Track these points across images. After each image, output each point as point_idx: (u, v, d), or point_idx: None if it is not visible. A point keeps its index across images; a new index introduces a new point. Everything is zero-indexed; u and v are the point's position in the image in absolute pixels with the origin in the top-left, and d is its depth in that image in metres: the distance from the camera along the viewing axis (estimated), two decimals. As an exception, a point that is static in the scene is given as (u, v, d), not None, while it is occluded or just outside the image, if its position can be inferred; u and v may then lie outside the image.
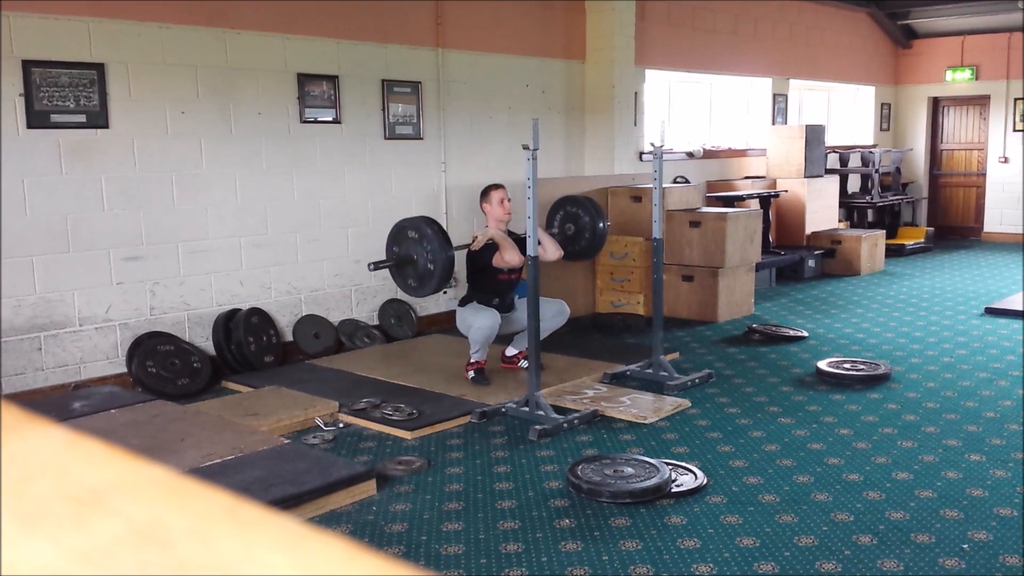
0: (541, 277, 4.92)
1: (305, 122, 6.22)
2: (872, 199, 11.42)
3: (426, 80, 6.94)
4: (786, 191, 9.80)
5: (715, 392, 5.27)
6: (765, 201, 9.38)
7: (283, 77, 6.09)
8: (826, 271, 9.67)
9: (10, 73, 4.88)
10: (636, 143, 8.64)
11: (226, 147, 5.82)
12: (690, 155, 9.54)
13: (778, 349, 6.34)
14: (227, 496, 0.42)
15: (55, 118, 5.05)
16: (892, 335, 6.76)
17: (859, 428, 4.58)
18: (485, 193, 5.42)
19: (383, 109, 6.66)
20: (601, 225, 5.64)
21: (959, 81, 12.71)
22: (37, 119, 4.98)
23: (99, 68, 5.20)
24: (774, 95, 10.62)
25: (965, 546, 3.24)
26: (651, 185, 5.67)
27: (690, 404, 5.00)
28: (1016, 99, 12.28)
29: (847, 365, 5.58)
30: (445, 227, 7.06)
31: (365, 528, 3.49)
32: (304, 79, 6.19)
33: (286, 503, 3.44)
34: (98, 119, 5.22)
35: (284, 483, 3.62)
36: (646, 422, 4.69)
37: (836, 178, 10.62)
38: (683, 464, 4.02)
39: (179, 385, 5.34)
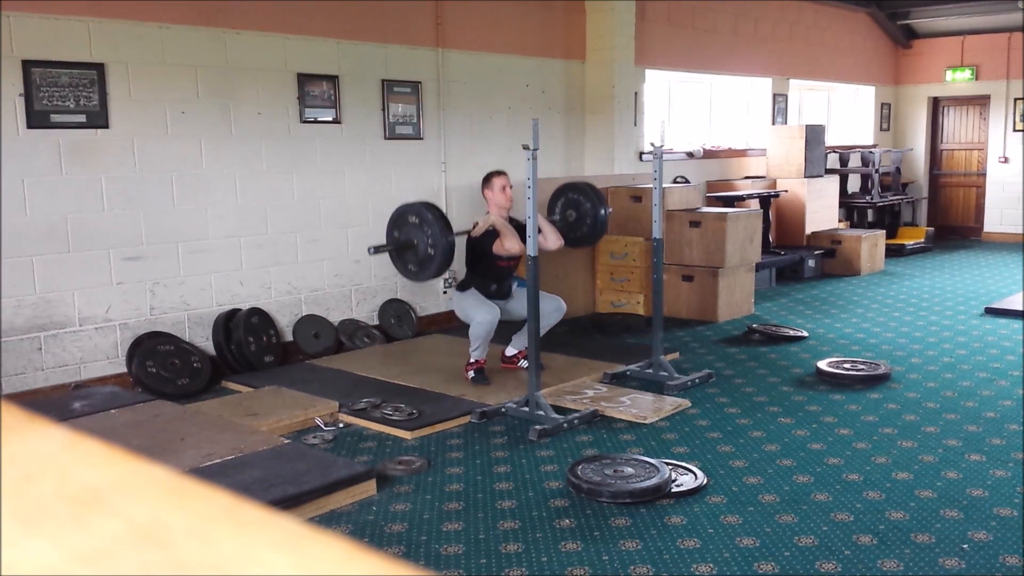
0: (541, 276, 4.92)
1: (305, 122, 6.22)
2: (872, 199, 11.42)
3: (426, 80, 6.94)
4: (786, 191, 9.80)
5: (715, 392, 5.27)
6: (765, 201, 9.38)
7: (283, 77, 6.09)
8: (826, 271, 9.67)
9: (10, 73, 4.88)
10: (636, 143, 8.64)
11: (226, 147, 5.82)
12: (690, 155, 9.54)
13: (778, 349, 6.34)
14: (227, 496, 0.42)
15: (55, 118, 5.05)
16: (892, 335, 6.76)
17: (859, 428, 4.59)
18: (487, 180, 5.41)
19: (383, 109, 6.66)
20: (602, 212, 5.62)
21: (959, 81, 12.71)
22: (37, 119, 4.98)
23: (99, 68, 5.20)
24: (774, 95, 10.62)
25: (965, 546, 3.24)
26: (651, 185, 5.67)
27: (690, 404, 5.00)
28: (1016, 99, 12.28)
29: (847, 365, 5.58)
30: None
31: (365, 528, 3.49)
32: (304, 79, 6.19)
33: (286, 503, 3.45)
34: (98, 119, 5.22)
35: (284, 483, 3.62)
36: (646, 422, 4.69)
37: (836, 178, 10.62)
38: (683, 464, 4.02)
39: (179, 385, 5.34)
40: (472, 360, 5.38)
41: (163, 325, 5.58)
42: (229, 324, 5.79)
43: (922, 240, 11.59)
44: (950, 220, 13.14)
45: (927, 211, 13.23)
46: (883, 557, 3.16)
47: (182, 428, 4.33)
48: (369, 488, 3.78)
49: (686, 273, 7.44)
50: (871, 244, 9.81)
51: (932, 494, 3.72)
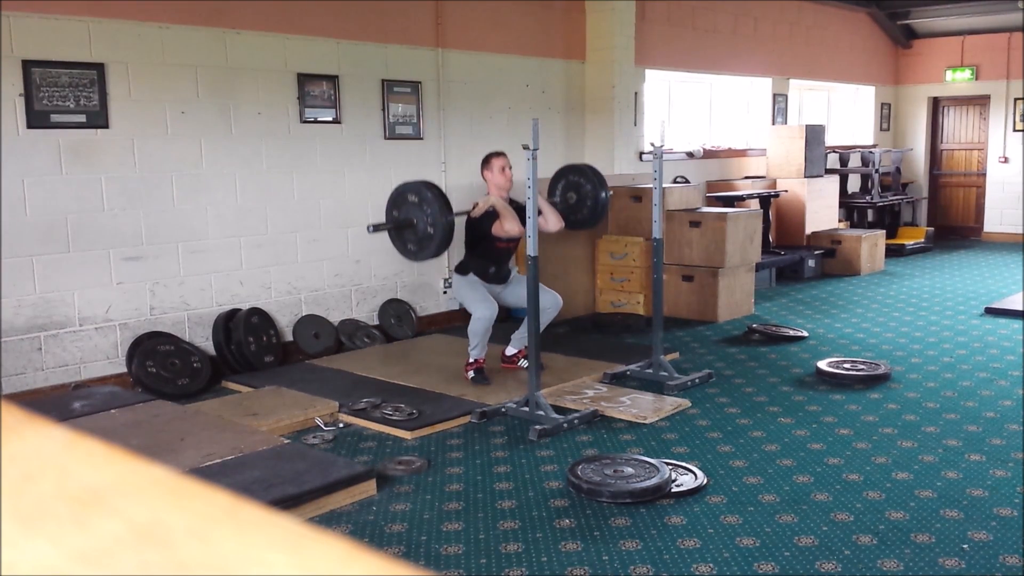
0: (540, 275, 4.92)
1: (305, 122, 6.22)
2: (872, 199, 11.42)
3: (426, 80, 6.94)
4: (786, 191, 9.80)
5: (715, 392, 5.27)
6: (765, 201, 9.38)
7: (283, 77, 6.09)
8: (826, 271, 9.67)
9: (10, 73, 4.88)
10: (636, 143, 8.64)
11: (226, 147, 5.82)
12: (690, 155, 9.54)
13: (778, 349, 6.34)
14: (227, 496, 0.42)
15: (55, 118, 5.05)
16: (892, 335, 6.76)
17: (859, 428, 4.59)
18: (486, 161, 5.39)
19: (383, 109, 6.66)
20: (603, 194, 5.60)
21: (959, 81, 12.71)
22: (37, 119, 4.98)
23: (99, 68, 5.20)
24: (774, 95, 10.62)
25: (965, 546, 3.24)
26: (651, 185, 5.67)
27: (690, 404, 5.00)
28: (1016, 99, 12.28)
29: (847, 365, 5.58)
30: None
31: (365, 528, 3.49)
32: (304, 79, 6.19)
33: (286, 503, 3.45)
34: (98, 119, 5.22)
35: (284, 483, 3.62)
36: (646, 422, 4.69)
37: (836, 178, 10.62)
38: (683, 464, 4.02)
39: (179, 385, 5.34)
40: (472, 360, 5.38)
41: (163, 325, 5.58)
42: (229, 324, 5.79)
43: (922, 240, 11.59)
44: (950, 220, 13.14)
45: (927, 211, 13.23)
46: (883, 557, 3.16)
47: (182, 428, 4.33)
48: (369, 488, 3.78)
49: (686, 273, 7.44)
50: (871, 244, 9.81)
51: (932, 494, 3.72)
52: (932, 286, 8.91)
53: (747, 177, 10.19)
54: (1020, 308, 7.43)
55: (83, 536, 0.38)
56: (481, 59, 7.34)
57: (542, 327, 5.44)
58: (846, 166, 11.57)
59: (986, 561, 3.13)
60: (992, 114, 12.55)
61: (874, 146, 12.33)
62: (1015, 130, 12.36)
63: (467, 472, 4.06)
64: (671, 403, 4.97)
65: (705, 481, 3.84)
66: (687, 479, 3.85)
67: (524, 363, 5.42)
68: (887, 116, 13.09)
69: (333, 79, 6.36)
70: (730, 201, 8.79)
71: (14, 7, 4.86)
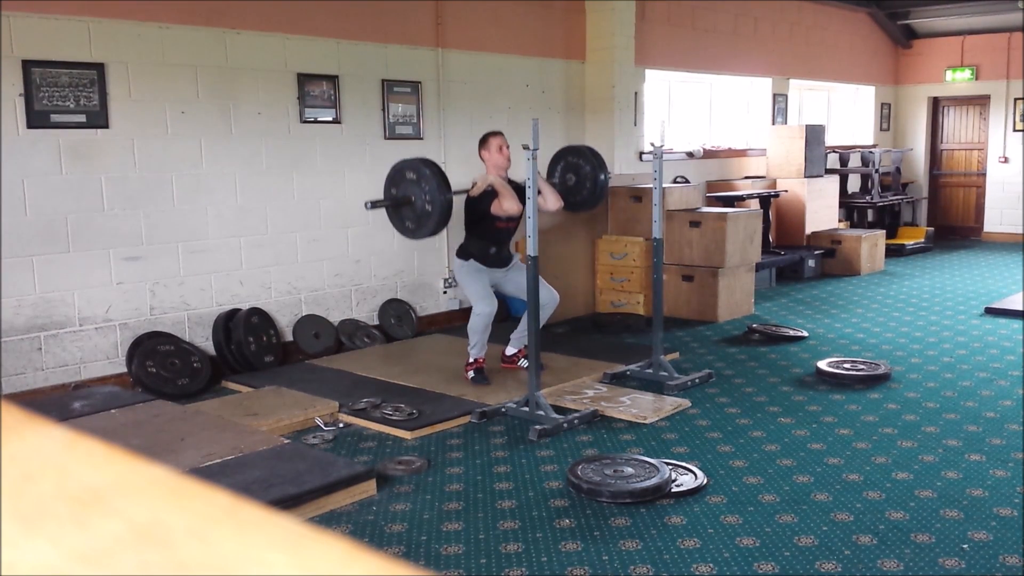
0: (540, 275, 4.92)
1: (305, 122, 6.22)
2: (872, 199, 11.42)
3: (426, 80, 6.94)
4: (786, 191, 9.80)
5: (715, 392, 5.27)
6: (765, 201, 9.38)
7: (283, 77, 6.09)
8: (826, 271, 9.67)
9: (10, 73, 4.88)
10: (636, 143, 8.64)
11: (226, 147, 5.82)
12: (690, 155, 9.54)
13: (778, 349, 6.34)
14: (227, 496, 0.42)
15: (55, 118, 5.05)
16: (892, 335, 6.76)
17: (859, 428, 4.58)
18: (484, 141, 5.37)
19: (383, 109, 6.66)
20: (602, 176, 5.59)
21: (959, 81, 12.71)
22: (37, 119, 4.98)
23: (99, 68, 5.20)
24: (774, 95, 10.62)
25: (965, 546, 3.24)
26: (651, 185, 5.67)
27: (690, 404, 4.99)
28: (1016, 99, 12.28)
29: (847, 365, 5.58)
30: (445, 227, 7.10)
31: (365, 528, 3.49)
32: (304, 79, 6.19)
33: (286, 503, 3.44)
34: (98, 119, 5.22)
35: (284, 483, 3.62)
36: (646, 422, 4.69)
37: (836, 178, 10.62)
38: (683, 464, 4.02)
39: (179, 385, 5.34)
40: (471, 360, 5.38)
41: (163, 325, 5.58)
42: (229, 324, 5.79)
43: (922, 240, 11.59)
44: (950, 220, 13.14)
45: (927, 211, 13.23)
46: (883, 557, 3.16)
47: (182, 428, 4.33)
48: (369, 488, 3.78)
49: (686, 273, 7.44)
50: (871, 244, 9.81)
51: (932, 494, 3.72)
52: (932, 286, 8.91)
53: (747, 177, 10.19)
54: (1020, 308, 7.43)
55: (83, 536, 0.38)
56: (481, 59, 7.34)
57: (542, 324, 5.44)
58: (846, 166, 11.57)
59: (986, 561, 3.13)
60: (992, 114, 12.55)
61: (874, 146, 12.33)
62: (1015, 130, 12.36)
63: (467, 472, 4.06)
64: (671, 403, 4.97)
65: (705, 481, 3.84)
66: (687, 479, 3.85)
67: (524, 363, 5.42)
68: (887, 116, 13.09)
69: (333, 79, 6.36)
70: (730, 201, 8.79)
71: (14, 7, 4.86)
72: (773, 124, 10.53)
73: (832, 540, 3.30)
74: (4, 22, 4.84)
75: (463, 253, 5.39)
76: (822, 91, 12.19)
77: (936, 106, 13.16)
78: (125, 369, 5.36)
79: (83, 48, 5.15)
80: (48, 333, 5.12)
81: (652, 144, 5.55)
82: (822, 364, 5.60)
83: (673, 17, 9.16)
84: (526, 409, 4.73)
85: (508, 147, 5.31)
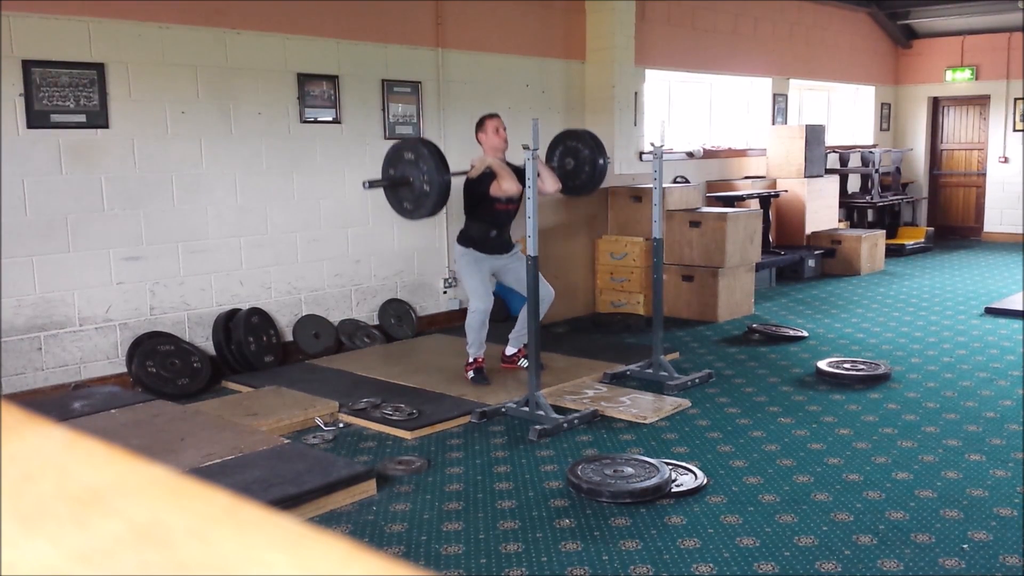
0: (541, 273, 4.92)
1: (305, 122, 6.22)
2: (872, 199, 11.42)
3: (426, 80, 6.94)
4: (786, 191, 9.80)
5: (715, 392, 5.27)
6: (765, 201, 9.38)
7: (283, 77, 6.09)
8: (826, 271, 9.67)
9: (10, 73, 4.88)
10: (636, 143, 8.64)
11: (226, 147, 5.82)
12: (690, 155, 9.54)
13: (778, 349, 6.34)
14: (227, 496, 0.42)
15: (55, 118, 5.05)
16: (892, 335, 6.76)
17: (859, 428, 4.59)
18: (480, 123, 5.35)
19: (383, 109, 6.66)
20: (601, 161, 5.58)
21: (959, 81, 12.71)
22: (37, 119, 4.98)
23: (99, 68, 5.20)
24: (774, 95, 10.62)
25: (965, 546, 3.24)
26: (651, 185, 5.67)
27: (690, 404, 5.00)
28: (1016, 99, 12.28)
29: (847, 365, 5.58)
30: (446, 225, 7.11)
31: (365, 528, 3.49)
32: (304, 79, 6.19)
33: (286, 503, 3.44)
34: (98, 119, 5.22)
35: (284, 483, 3.62)
36: (646, 422, 4.69)
37: (836, 178, 10.62)
38: (683, 464, 4.02)
39: (179, 385, 5.34)
40: (471, 360, 5.38)
41: (163, 325, 5.58)
42: (229, 324, 5.79)
43: (922, 240, 11.59)
44: (950, 220, 13.14)
45: (927, 211, 13.23)
46: (883, 557, 3.16)
47: (182, 428, 4.33)
48: (369, 488, 3.78)
49: (686, 273, 7.44)
50: (871, 244, 9.81)
51: (932, 494, 3.72)
52: (932, 286, 8.91)
53: (747, 177, 10.19)
54: (1020, 308, 7.43)
55: (83, 536, 0.38)
56: (481, 59, 7.34)
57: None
58: (846, 166, 11.57)
59: (986, 561, 3.13)
60: (992, 114, 12.55)
61: (874, 146, 12.33)
62: (1015, 130, 12.36)
63: (467, 472, 4.06)
64: (671, 403, 4.97)
65: (705, 481, 3.84)
66: (687, 479, 3.85)
67: (524, 363, 5.42)
68: (887, 116, 13.09)
69: (333, 79, 6.36)
70: (730, 201, 8.79)
71: (14, 7, 4.86)
72: (773, 124, 10.53)
73: (832, 540, 3.30)
74: (4, 22, 4.84)
75: (463, 239, 5.36)
76: (822, 91, 12.19)
77: (936, 106, 13.16)
78: (125, 369, 5.36)
79: (83, 48, 5.15)
80: (48, 333, 5.12)
81: (652, 144, 5.55)
82: (822, 364, 5.60)
83: (673, 17, 9.15)
84: (526, 409, 4.73)
85: (505, 129, 5.31)
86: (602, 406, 4.89)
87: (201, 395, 5.32)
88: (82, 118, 5.16)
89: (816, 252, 9.59)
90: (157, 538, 0.38)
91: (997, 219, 12.63)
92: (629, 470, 3.83)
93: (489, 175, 5.14)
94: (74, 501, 0.40)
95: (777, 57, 10.59)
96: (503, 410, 4.84)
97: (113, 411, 4.55)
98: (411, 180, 4.65)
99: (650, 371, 5.48)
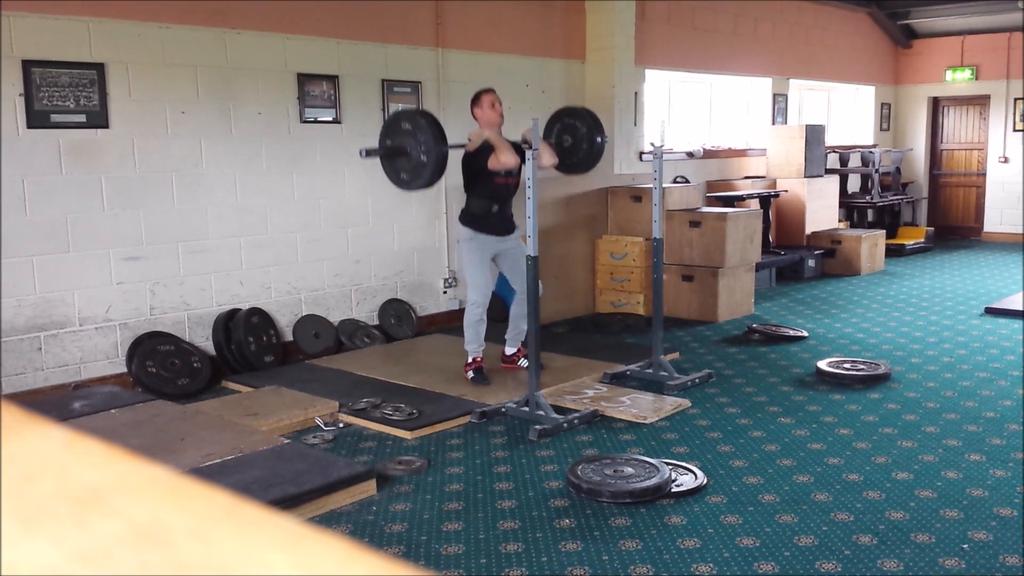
0: (541, 275, 4.92)
1: (305, 122, 6.22)
2: (872, 199, 11.42)
3: (426, 80, 6.94)
4: (786, 191, 9.80)
5: (715, 392, 5.27)
6: (765, 201, 9.38)
7: (283, 77, 6.09)
8: (826, 271, 9.67)
9: (10, 73, 4.88)
10: (636, 143, 8.64)
11: (226, 147, 5.82)
12: (690, 155, 9.54)
13: (778, 349, 6.34)
14: (227, 496, 0.42)
15: (55, 118, 5.05)
16: (892, 335, 6.76)
17: (859, 428, 4.59)
18: (476, 98, 5.34)
19: (383, 109, 6.66)
20: (599, 139, 5.57)
21: (959, 81, 12.71)
22: (37, 119, 4.98)
23: (99, 68, 5.20)
24: (774, 95, 10.62)
25: (965, 546, 3.24)
26: (651, 185, 5.67)
27: (690, 404, 4.99)
28: (1016, 99, 12.28)
29: (847, 365, 5.58)
30: (445, 227, 7.11)
31: (365, 528, 3.49)
32: (304, 79, 6.19)
33: (286, 503, 3.45)
34: (98, 119, 5.22)
35: (284, 483, 3.62)
36: (646, 422, 4.69)
37: (836, 178, 10.62)
38: (683, 464, 4.02)
39: (179, 385, 5.34)
40: (470, 359, 5.38)
41: (163, 325, 5.58)
42: (229, 324, 5.79)
43: (922, 240, 11.59)
44: (950, 220, 13.14)
45: (927, 211, 13.23)
46: (883, 557, 3.16)
47: (182, 428, 4.33)
48: (369, 488, 3.78)
49: (686, 273, 7.44)
50: (871, 244, 9.81)
51: (932, 494, 3.72)
52: (932, 286, 8.91)
53: (747, 177, 10.19)
54: (1020, 308, 7.43)
55: (83, 536, 0.38)
56: (481, 59, 7.34)
57: (519, 316, 5.45)
58: (846, 166, 11.57)
59: (986, 561, 3.13)
60: (992, 114, 12.55)
61: (874, 146, 12.33)
62: (1015, 130, 12.36)
63: (467, 472, 4.06)
64: (671, 403, 4.97)
65: (705, 481, 3.84)
66: (687, 479, 3.85)
67: (524, 363, 5.42)
68: (887, 116, 13.09)
69: (333, 79, 6.36)
70: (730, 201, 8.79)
71: (14, 7, 4.86)
72: (773, 124, 10.53)
73: (832, 540, 3.30)
74: (4, 22, 4.84)
75: (466, 218, 5.33)
76: (822, 91, 12.19)
77: (936, 106, 13.16)
78: (125, 369, 5.36)
79: (83, 48, 5.15)
80: (48, 333, 5.12)
81: (652, 144, 5.55)
82: (822, 364, 5.60)
83: (673, 17, 9.15)
84: (526, 409, 4.73)
85: (500, 103, 5.31)
86: (602, 406, 4.89)
87: (201, 395, 5.32)
88: (82, 118, 5.16)
89: (816, 252, 9.59)
90: (157, 538, 0.38)
91: (997, 219, 12.63)
92: (629, 470, 3.83)
93: (487, 149, 5.14)
94: (74, 501, 0.40)
95: (777, 57, 10.59)
96: (503, 410, 4.83)
97: (113, 411, 4.55)
98: (408, 150, 4.64)
99: (650, 371, 5.48)
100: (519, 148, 5.14)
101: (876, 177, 11.46)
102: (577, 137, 5.59)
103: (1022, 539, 3.29)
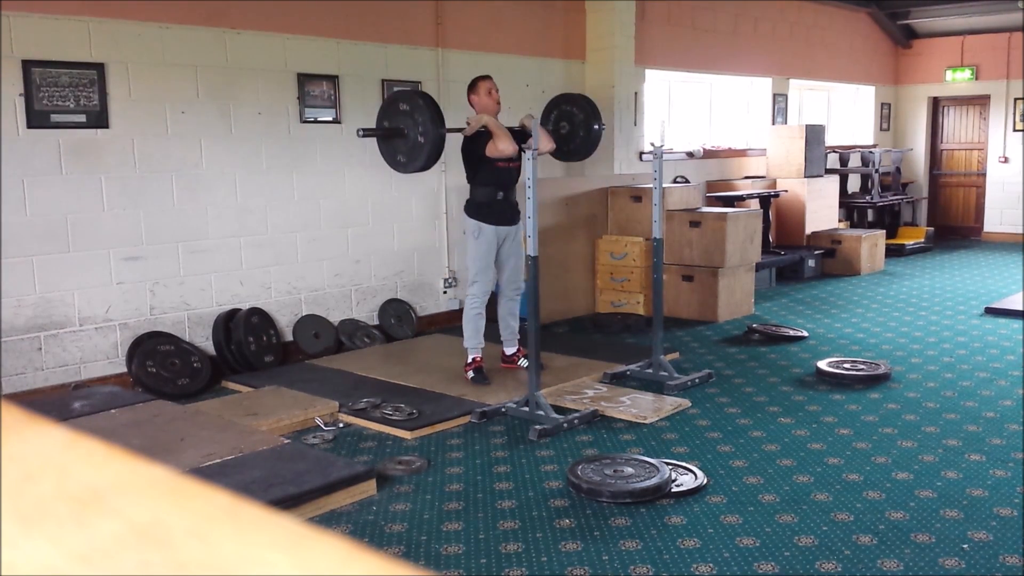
0: (541, 275, 4.92)
1: (305, 122, 6.22)
2: (872, 199, 11.42)
3: (426, 80, 6.94)
4: (786, 191, 9.80)
5: (715, 392, 5.27)
6: (765, 201, 9.38)
7: (283, 77, 6.09)
8: (826, 271, 9.67)
9: (10, 73, 4.88)
10: (636, 143, 8.64)
11: (226, 147, 5.82)
12: (690, 155, 9.54)
13: (778, 349, 6.34)
14: (227, 496, 0.42)
15: (55, 118, 5.05)
16: (892, 335, 6.76)
17: (859, 428, 4.58)
18: (473, 85, 5.35)
19: (383, 109, 6.66)
20: (596, 126, 5.57)
21: (959, 81, 12.71)
22: (37, 119, 4.98)
23: (99, 68, 5.20)
24: (774, 95, 10.62)
25: (965, 546, 3.24)
26: (651, 185, 5.67)
27: (690, 404, 4.99)
28: (1016, 99, 12.28)
29: (847, 365, 5.58)
30: (445, 227, 7.11)
31: (365, 528, 3.49)
32: (304, 79, 6.19)
33: (286, 503, 3.44)
34: (98, 119, 5.22)
35: (284, 483, 3.62)
36: (646, 422, 4.69)
37: (836, 178, 10.62)
38: (683, 464, 4.02)
39: (179, 385, 5.34)
40: (470, 359, 5.39)
41: (163, 325, 5.58)
42: (229, 324, 5.79)
43: (922, 240, 11.59)
44: (950, 220, 13.14)
45: (927, 211, 13.23)
46: (883, 557, 3.16)
47: (182, 428, 4.33)
48: (369, 488, 3.78)
49: (686, 273, 7.44)
50: (871, 244, 9.81)
51: (932, 494, 3.72)
52: (932, 286, 8.91)
53: (747, 177, 10.19)
54: (1020, 308, 7.43)
55: (83, 536, 0.38)
56: (481, 59, 7.33)
57: (507, 314, 5.46)
58: (846, 166, 11.57)
59: (986, 561, 3.13)
60: (992, 114, 12.55)
61: (874, 146, 12.33)
62: (1015, 130, 12.35)
63: (467, 472, 4.06)
64: (671, 403, 4.97)
65: (705, 481, 3.84)
66: (687, 479, 3.85)
67: (524, 363, 5.42)
68: (887, 116, 13.09)
69: (333, 79, 6.36)
70: (730, 201, 8.79)
71: (14, 7, 4.86)
72: (773, 124, 10.53)
73: (832, 540, 3.30)
74: (4, 22, 4.84)
75: (472, 208, 5.31)
76: (822, 91, 12.19)
77: (936, 106, 13.16)
78: (125, 369, 5.36)
79: (83, 48, 5.15)
80: (48, 333, 5.12)
81: (652, 144, 5.55)
82: (822, 364, 5.60)
83: (673, 17, 9.15)
84: (526, 409, 4.73)
85: (497, 91, 5.31)
86: (602, 406, 4.89)
87: (201, 395, 5.32)
88: (82, 118, 5.16)
89: (816, 252, 9.59)
90: (157, 538, 0.38)
91: (997, 219, 12.63)
92: (629, 470, 3.83)
93: (484, 136, 5.14)
94: (74, 501, 0.40)
95: (777, 57, 10.59)
96: (503, 410, 4.83)
97: (113, 411, 4.55)
98: (406, 132, 4.62)
99: (650, 371, 5.48)
100: (516, 134, 5.15)
101: (876, 177, 11.46)
102: (574, 124, 5.61)
103: (1022, 539, 3.29)
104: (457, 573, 3.12)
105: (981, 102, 12.70)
